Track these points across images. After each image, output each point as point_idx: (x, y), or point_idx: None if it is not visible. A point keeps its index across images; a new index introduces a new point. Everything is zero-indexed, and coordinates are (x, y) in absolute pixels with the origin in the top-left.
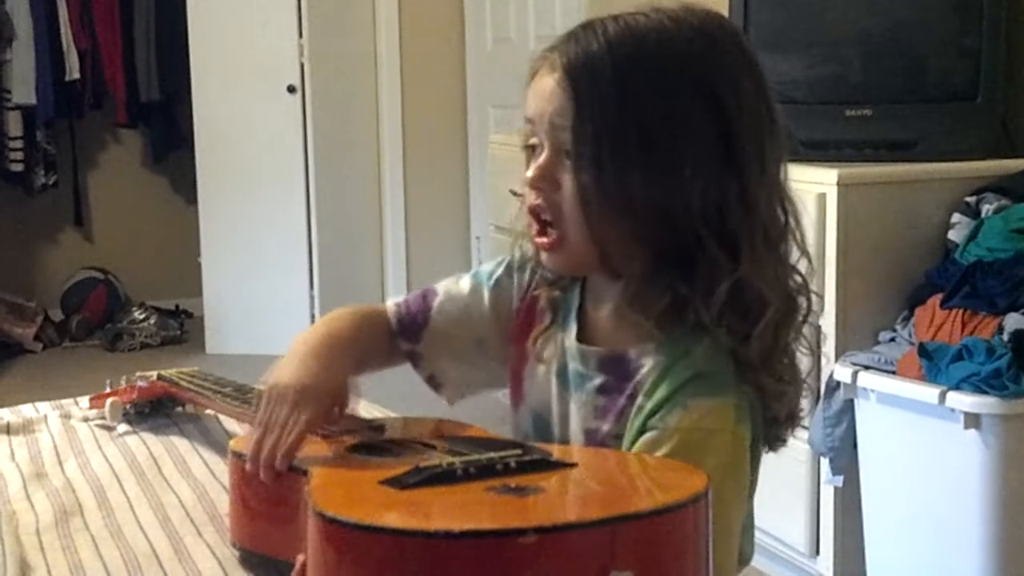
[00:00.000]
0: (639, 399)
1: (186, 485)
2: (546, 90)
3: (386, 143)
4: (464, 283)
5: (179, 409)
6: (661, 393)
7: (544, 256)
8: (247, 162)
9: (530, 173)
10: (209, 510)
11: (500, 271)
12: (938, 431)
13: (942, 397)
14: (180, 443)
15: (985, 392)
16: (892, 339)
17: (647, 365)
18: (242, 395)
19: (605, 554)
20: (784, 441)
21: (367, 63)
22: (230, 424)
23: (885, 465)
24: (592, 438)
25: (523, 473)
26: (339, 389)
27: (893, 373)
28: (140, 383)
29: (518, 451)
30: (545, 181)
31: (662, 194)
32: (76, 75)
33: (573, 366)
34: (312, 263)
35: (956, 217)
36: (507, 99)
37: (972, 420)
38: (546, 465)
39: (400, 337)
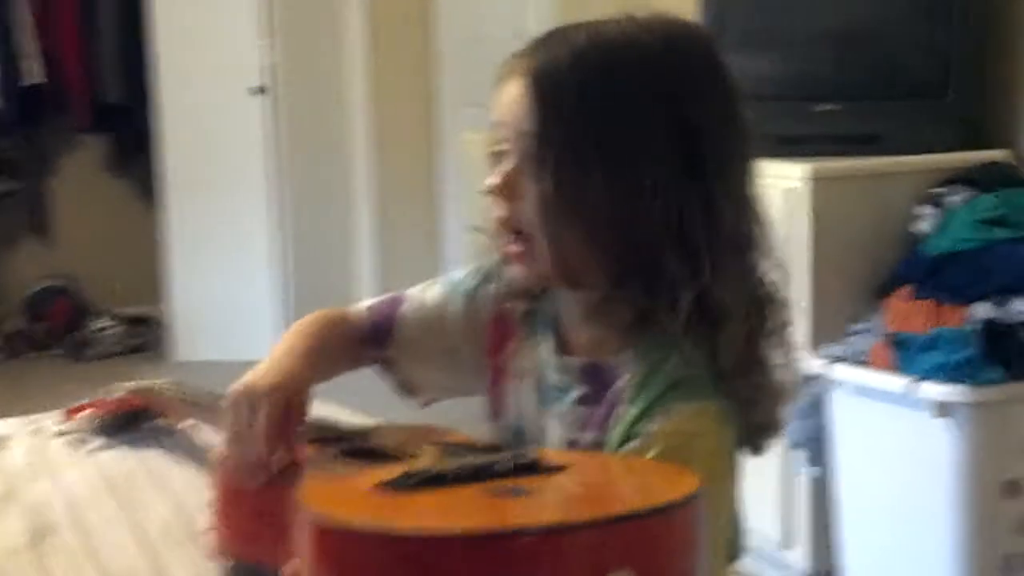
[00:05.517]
0: (620, 407)
1: (164, 500)
2: (512, 97)
3: (355, 144)
4: (436, 291)
5: (152, 421)
6: (642, 401)
7: (510, 267)
8: (213, 165)
9: (494, 180)
10: (188, 526)
11: (473, 282)
12: (909, 420)
13: (913, 387)
14: (155, 457)
15: (955, 381)
16: (862, 330)
17: (627, 373)
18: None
19: (603, 554)
20: (761, 449)
21: (335, 63)
22: (206, 436)
23: (858, 455)
24: (574, 449)
25: (515, 476)
26: (290, 385)
27: (865, 364)
28: (114, 395)
29: (509, 454)
30: (508, 189)
31: (623, 204)
32: (36, 79)
33: (552, 378)
34: (280, 268)
35: (923, 209)
36: (479, 97)
37: (943, 409)
38: (538, 468)
39: (368, 343)
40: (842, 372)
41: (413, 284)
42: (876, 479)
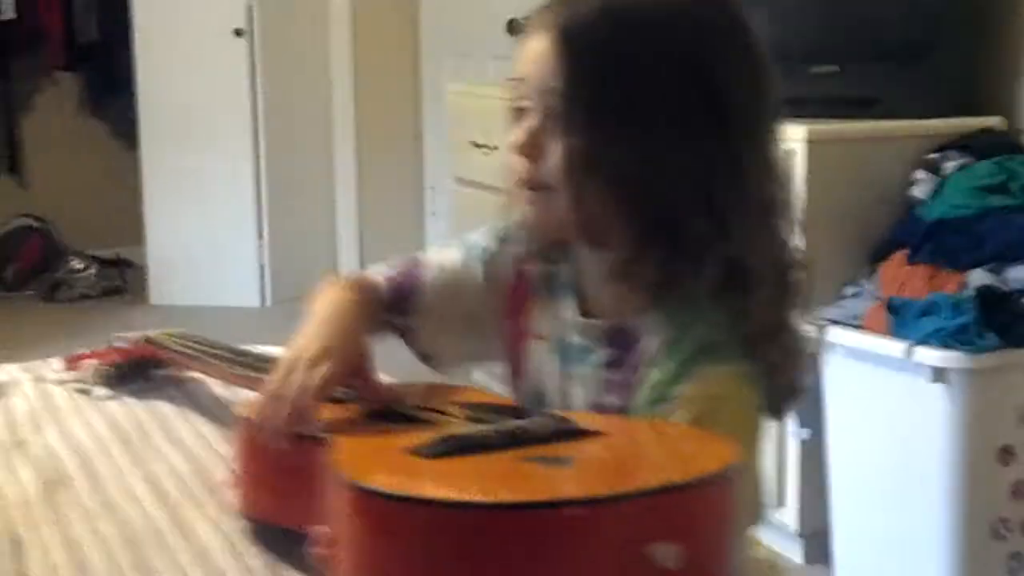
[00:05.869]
0: (646, 370)
1: (177, 454)
2: (537, 52)
3: (337, 88)
4: (455, 255)
5: (159, 372)
6: (670, 363)
7: (528, 222)
8: (192, 107)
9: (517, 137)
10: (206, 481)
11: (492, 244)
12: (905, 385)
13: (909, 351)
14: (166, 408)
15: (952, 347)
16: (856, 294)
17: (653, 336)
18: (241, 358)
19: (649, 525)
20: (782, 413)
21: (318, 5)
22: (217, 389)
23: (852, 418)
24: (599, 412)
25: (553, 442)
26: (354, 352)
27: (858, 327)
28: (121, 344)
29: (541, 419)
30: (531, 146)
31: (649, 162)
32: (10, 15)
33: (575, 340)
34: (260, 211)
35: (919, 174)
36: (463, 47)
37: (939, 374)
38: (575, 434)
39: (391, 311)
40: (837, 335)
41: (393, 231)
42: (868, 442)
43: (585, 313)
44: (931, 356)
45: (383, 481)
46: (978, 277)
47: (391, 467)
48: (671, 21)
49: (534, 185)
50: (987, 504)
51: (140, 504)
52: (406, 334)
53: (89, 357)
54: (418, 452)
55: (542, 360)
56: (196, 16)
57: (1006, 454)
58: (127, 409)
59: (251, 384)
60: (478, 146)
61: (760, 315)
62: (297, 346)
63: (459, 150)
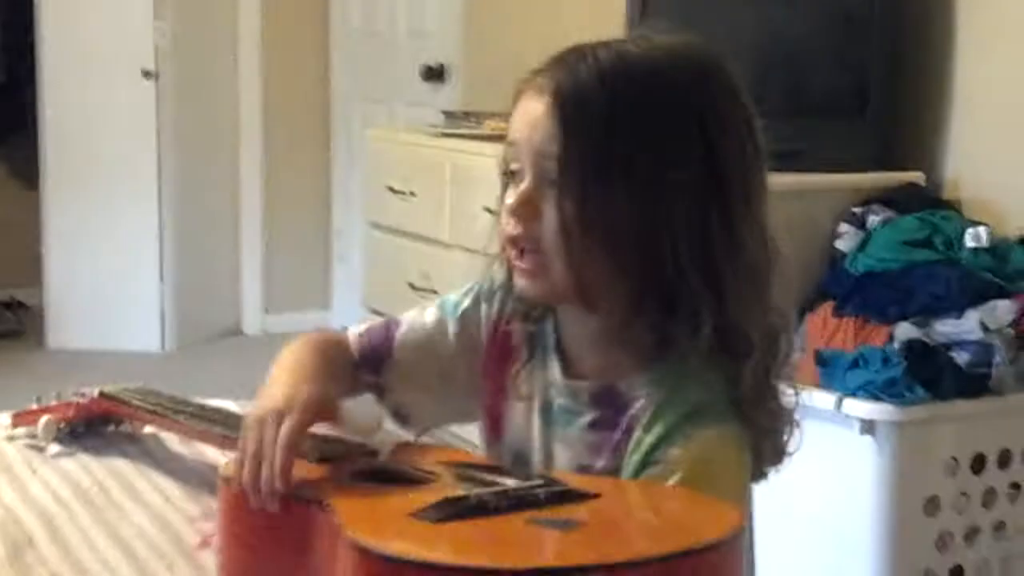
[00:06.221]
0: (636, 434)
1: (141, 512)
2: (533, 115)
3: (245, 133)
4: (429, 314)
5: (112, 428)
6: (661, 427)
7: (520, 285)
8: (96, 147)
9: (511, 200)
10: (174, 542)
11: (467, 302)
12: (834, 437)
13: (839, 403)
14: (123, 465)
15: (881, 399)
16: None
17: (642, 398)
18: (202, 412)
19: None
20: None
21: (227, 49)
22: (173, 445)
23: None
24: (585, 474)
25: (553, 504)
26: (319, 401)
27: None
28: (77, 399)
29: (540, 481)
30: (526, 209)
31: (647, 227)
32: None
33: (560, 402)
34: (163, 255)
35: (844, 227)
36: (375, 92)
37: (868, 427)
38: (572, 496)
39: (362, 369)
40: None
41: (299, 276)
42: (798, 493)
43: (570, 374)
44: (860, 408)
45: (396, 547)
46: (905, 330)
47: (397, 532)
48: (667, 83)
49: (528, 248)
50: (913, 555)
51: (110, 566)
52: (378, 392)
53: (39, 412)
54: (420, 517)
55: (523, 420)
56: (104, 57)
57: (932, 505)
58: (83, 466)
59: (214, 439)
60: (395, 191)
61: (750, 378)
62: (264, 401)
63: (375, 195)
